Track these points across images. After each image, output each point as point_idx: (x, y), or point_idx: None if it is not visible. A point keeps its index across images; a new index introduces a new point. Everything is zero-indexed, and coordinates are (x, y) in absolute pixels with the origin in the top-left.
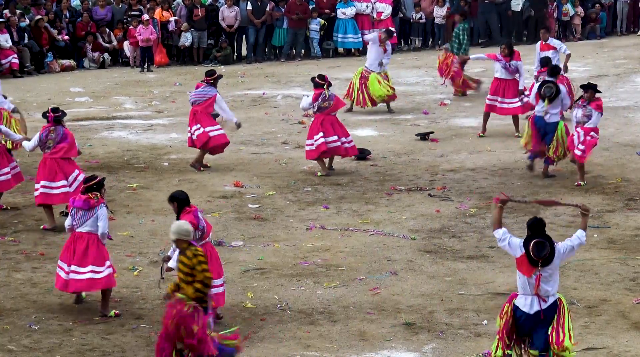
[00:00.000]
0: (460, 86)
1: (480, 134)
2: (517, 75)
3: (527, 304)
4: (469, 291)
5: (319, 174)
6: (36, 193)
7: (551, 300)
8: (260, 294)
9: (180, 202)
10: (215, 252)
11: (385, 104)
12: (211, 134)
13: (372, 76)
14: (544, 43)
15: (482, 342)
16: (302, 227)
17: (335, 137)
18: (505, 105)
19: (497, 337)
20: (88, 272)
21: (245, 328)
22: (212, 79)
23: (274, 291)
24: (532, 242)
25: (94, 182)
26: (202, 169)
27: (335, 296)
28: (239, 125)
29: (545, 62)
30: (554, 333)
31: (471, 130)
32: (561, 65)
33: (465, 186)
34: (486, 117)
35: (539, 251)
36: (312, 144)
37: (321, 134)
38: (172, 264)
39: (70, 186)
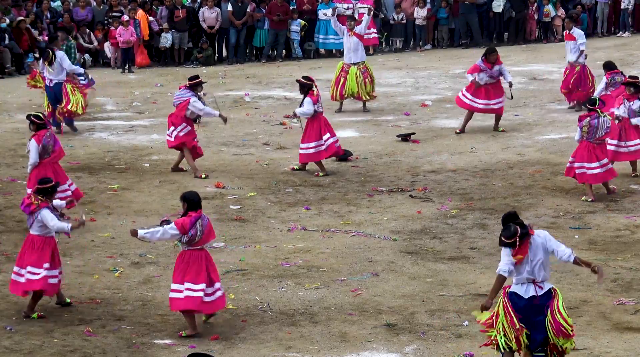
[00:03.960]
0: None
1: (457, 132)
2: (503, 77)
3: (522, 289)
4: (450, 292)
5: (320, 174)
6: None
7: (547, 287)
8: (241, 296)
9: (189, 204)
10: (209, 258)
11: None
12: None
13: (351, 70)
14: (568, 32)
15: (463, 343)
16: (283, 229)
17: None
18: (490, 106)
19: (501, 329)
20: (26, 273)
21: (226, 329)
22: (191, 84)
23: (255, 292)
24: (501, 233)
25: (47, 185)
26: (202, 176)
27: (316, 297)
28: (224, 119)
29: (609, 65)
30: (552, 322)
31: (452, 131)
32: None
33: (446, 187)
34: (468, 116)
35: (507, 232)
36: (322, 145)
37: (328, 134)
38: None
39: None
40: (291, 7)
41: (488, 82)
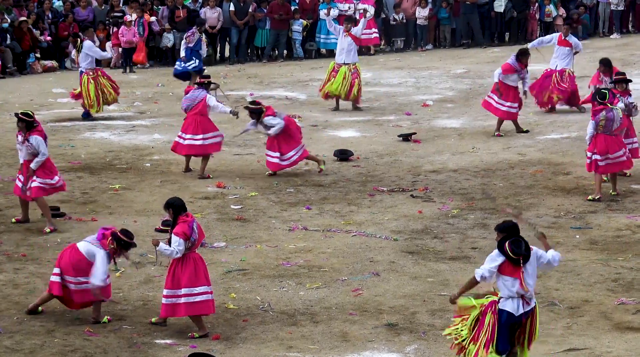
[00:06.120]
0: None
1: (500, 134)
2: (521, 81)
3: (514, 306)
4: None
5: (322, 167)
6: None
7: (533, 303)
8: (242, 295)
9: (175, 209)
10: (200, 260)
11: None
12: (207, 142)
13: (341, 69)
14: (563, 38)
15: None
16: (284, 228)
17: None
18: (500, 107)
19: (480, 342)
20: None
21: (227, 329)
22: (205, 82)
23: (256, 292)
24: (507, 243)
25: (130, 240)
26: (210, 176)
27: (317, 297)
28: (235, 114)
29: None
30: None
31: (453, 131)
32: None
33: (448, 186)
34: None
35: (517, 247)
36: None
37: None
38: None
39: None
40: (292, 7)
41: (514, 84)
